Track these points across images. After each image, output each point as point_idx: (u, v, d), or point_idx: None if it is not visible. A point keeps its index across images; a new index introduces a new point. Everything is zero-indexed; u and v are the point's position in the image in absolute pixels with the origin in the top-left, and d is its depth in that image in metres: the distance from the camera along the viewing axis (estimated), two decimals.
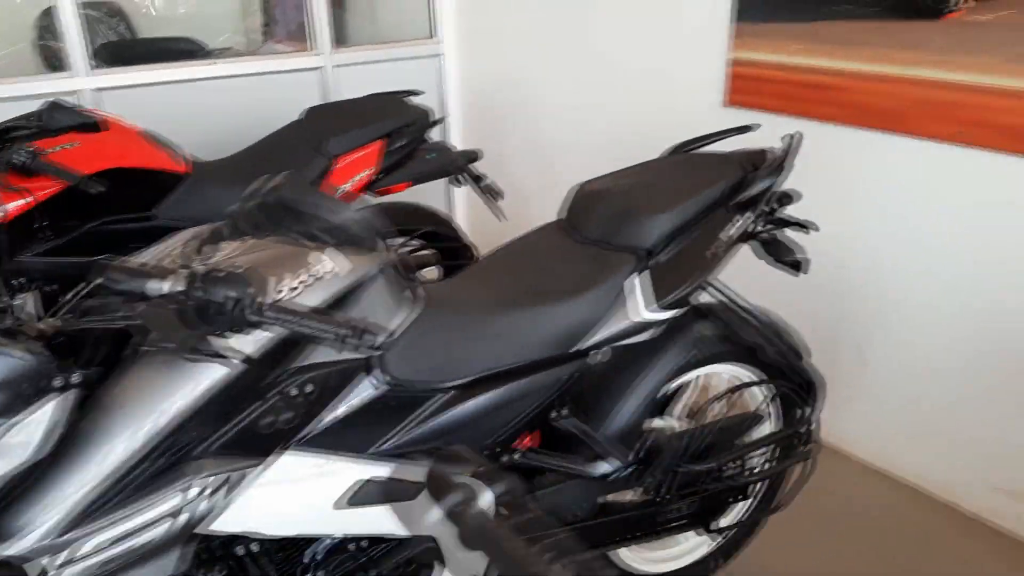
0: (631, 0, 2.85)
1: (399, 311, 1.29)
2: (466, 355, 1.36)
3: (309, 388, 1.20)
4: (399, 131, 2.65)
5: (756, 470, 1.76)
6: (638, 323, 1.49)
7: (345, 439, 1.27)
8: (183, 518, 1.09)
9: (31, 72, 3.10)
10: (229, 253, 1.18)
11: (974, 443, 2.23)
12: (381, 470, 1.31)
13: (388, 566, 1.40)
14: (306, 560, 1.38)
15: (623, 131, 3.05)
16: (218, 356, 1.02)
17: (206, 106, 3.33)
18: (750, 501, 1.92)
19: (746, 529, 1.99)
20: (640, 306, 1.48)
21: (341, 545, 1.38)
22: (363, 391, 1.27)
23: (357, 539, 1.39)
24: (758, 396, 1.92)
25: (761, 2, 2.39)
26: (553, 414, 1.52)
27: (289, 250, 1.20)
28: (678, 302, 1.51)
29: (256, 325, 1.01)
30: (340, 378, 1.24)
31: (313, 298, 1.16)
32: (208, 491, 1.12)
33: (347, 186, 2.58)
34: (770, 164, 1.63)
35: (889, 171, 2.23)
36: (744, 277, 2.71)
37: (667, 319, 1.53)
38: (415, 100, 2.82)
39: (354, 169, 2.59)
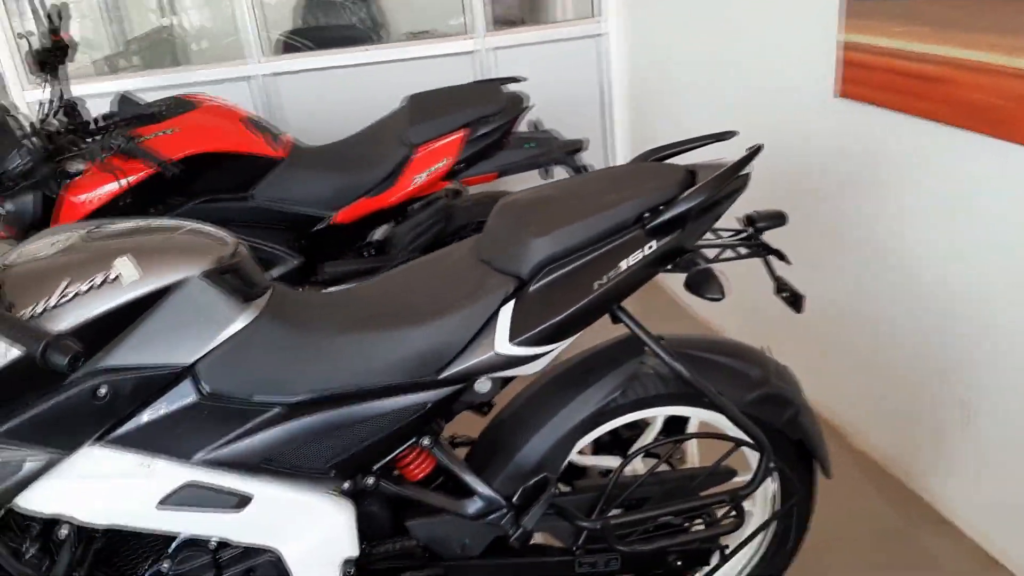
0: None
1: (215, 323, 1.28)
2: (297, 374, 1.32)
3: (119, 388, 1.24)
4: (484, 119, 2.60)
5: (685, 536, 1.51)
6: (505, 356, 1.33)
7: (169, 441, 1.30)
8: None
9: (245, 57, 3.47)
10: (34, 252, 1.26)
11: None
12: (205, 476, 1.32)
13: (233, 573, 1.42)
14: (170, 551, 1.44)
15: (741, 122, 2.71)
16: None
17: (365, 90, 3.51)
18: (718, 571, 1.65)
19: None
20: (504, 339, 1.33)
21: (192, 543, 1.43)
22: (183, 398, 1.29)
23: (206, 540, 1.42)
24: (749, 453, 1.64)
25: None
26: (425, 442, 1.43)
27: (89, 255, 1.24)
28: (542, 338, 1.33)
29: None
30: (157, 382, 1.27)
31: (87, 307, 1.19)
32: None
33: (423, 176, 2.59)
34: (708, 181, 1.35)
35: (1004, 191, 1.75)
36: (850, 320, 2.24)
37: (538, 354, 1.35)
38: (515, 87, 2.74)
39: (433, 159, 2.59)
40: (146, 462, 1.29)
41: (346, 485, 1.42)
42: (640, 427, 1.66)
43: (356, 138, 2.75)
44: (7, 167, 2.34)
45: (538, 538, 1.62)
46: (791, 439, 1.59)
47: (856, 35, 2.06)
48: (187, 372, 1.28)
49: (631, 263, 1.34)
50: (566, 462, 1.54)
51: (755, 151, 1.40)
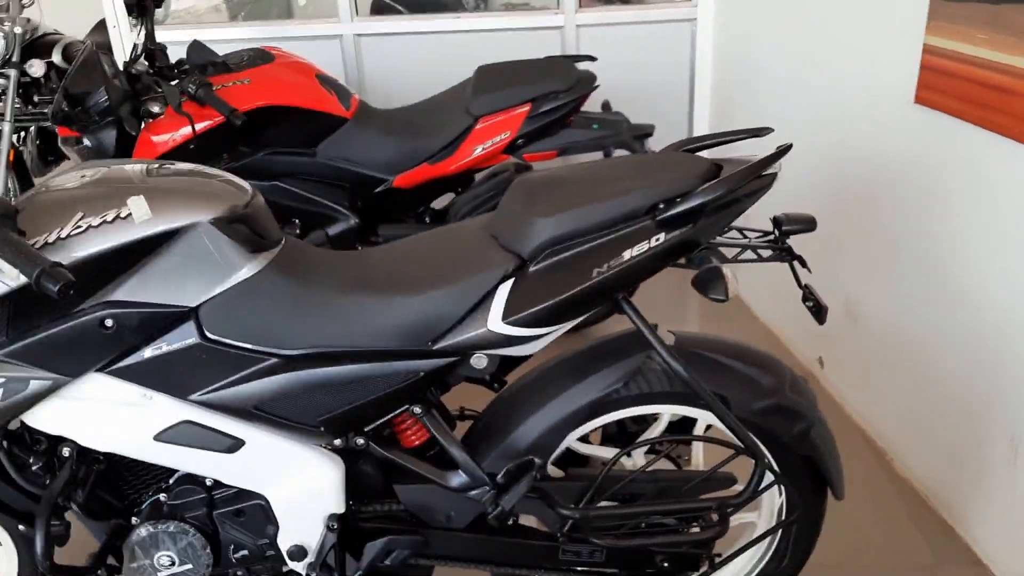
0: None
1: (221, 270, 1.31)
2: (296, 328, 1.34)
3: (124, 322, 1.29)
4: (550, 96, 2.57)
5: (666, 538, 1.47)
6: (497, 334, 1.32)
7: (168, 379, 1.35)
8: None
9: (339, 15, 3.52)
10: (62, 183, 1.32)
11: None
12: (200, 416, 1.37)
13: (224, 511, 1.47)
14: (169, 483, 1.50)
15: (819, 121, 2.59)
16: None
17: (448, 59, 3.51)
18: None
19: None
20: (498, 316, 1.31)
21: (189, 478, 1.48)
22: (184, 339, 1.33)
23: (202, 478, 1.47)
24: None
25: None
26: (417, 410, 1.44)
27: (106, 191, 1.29)
28: (535, 320, 1.30)
29: None
30: (161, 320, 1.31)
31: (98, 241, 1.24)
32: None
33: (482, 148, 2.58)
34: (728, 176, 1.30)
35: None
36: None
37: (531, 336, 1.33)
38: (588, 66, 2.69)
39: (493, 131, 2.58)
40: (146, 395, 1.34)
41: (337, 442, 1.44)
42: (649, 422, 1.62)
43: (422, 105, 2.77)
44: (92, 102, 2.46)
45: (532, 521, 1.61)
46: (800, 455, 1.53)
47: (936, 38, 1.93)
48: (191, 314, 1.32)
49: (635, 253, 1.31)
50: (561, 448, 1.53)
51: (783, 150, 1.34)
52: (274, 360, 1.35)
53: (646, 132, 2.69)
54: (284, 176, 2.68)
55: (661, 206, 1.33)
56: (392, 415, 1.43)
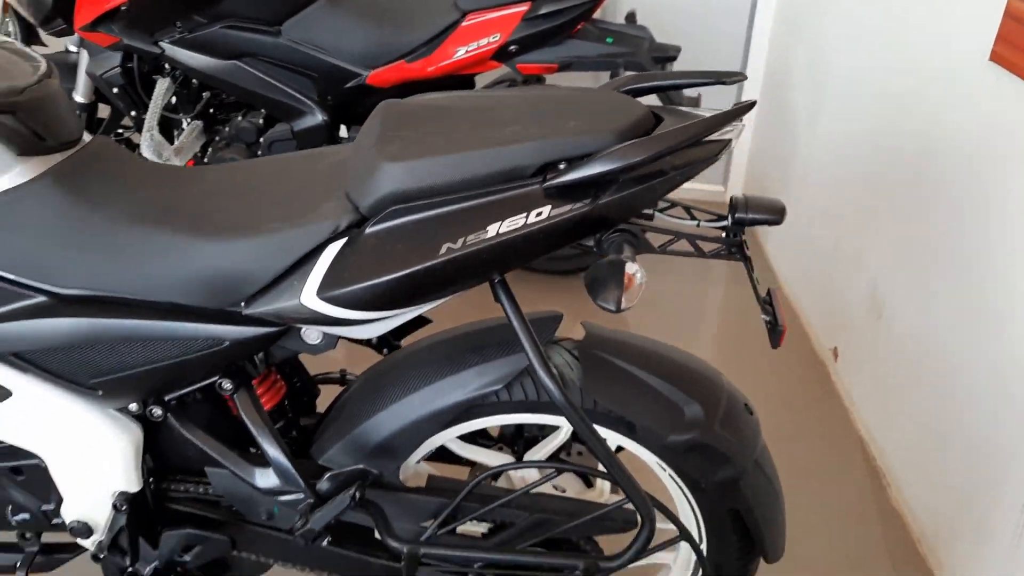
0: None
1: None
2: (68, 260, 1.02)
3: None
4: None
5: None
6: (311, 311, 0.98)
7: None
8: None
9: None
10: None
11: None
12: None
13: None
14: None
15: (878, 74, 2.10)
16: None
17: None
18: None
19: None
20: (313, 288, 0.97)
21: None
22: None
23: None
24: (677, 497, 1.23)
25: None
26: (226, 385, 1.12)
27: None
28: (355, 302, 0.95)
29: None
30: None
31: None
32: None
33: (466, 50, 2.18)
34: (655, 136, 0.90)
35: None
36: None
37: (356, 320, 0.98)
38: None
39: (481, 31, 2.17)
40: None
41: (133, 407, 1.15)
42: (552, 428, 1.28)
43: None
44: None
45: None
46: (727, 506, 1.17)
47: None
48: None
49: (506, 229, 0.93)
50: (430, 448, 1.20)
51: (743, 109, 0.93)
52: (40, 298, 1.04)
53: (669, 55, 2.24)
54: (245, 56, 2.33)
55: (562, 166, 0.94)
56: (193, 388, 1.12)
